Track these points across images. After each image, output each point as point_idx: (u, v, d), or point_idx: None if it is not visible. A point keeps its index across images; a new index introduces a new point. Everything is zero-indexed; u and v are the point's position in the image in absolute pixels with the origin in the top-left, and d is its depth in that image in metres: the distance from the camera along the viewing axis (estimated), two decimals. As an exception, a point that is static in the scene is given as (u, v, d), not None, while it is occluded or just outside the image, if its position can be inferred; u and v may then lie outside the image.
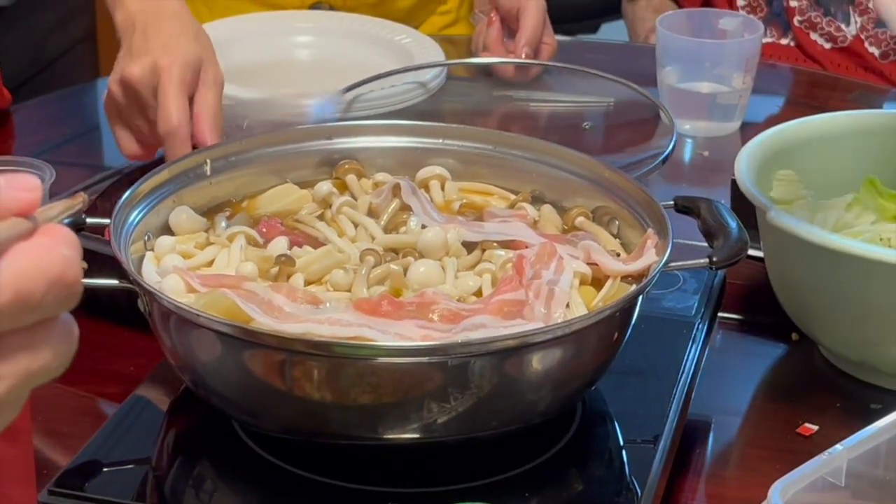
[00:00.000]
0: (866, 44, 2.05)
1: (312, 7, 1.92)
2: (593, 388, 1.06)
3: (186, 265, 1.05)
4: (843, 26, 2.05)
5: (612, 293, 1.04)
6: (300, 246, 1.09)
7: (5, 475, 0.83)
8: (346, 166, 1.19)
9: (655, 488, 0.99)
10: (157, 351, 1.03)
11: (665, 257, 1.02)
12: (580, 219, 1.14)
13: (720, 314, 1.23)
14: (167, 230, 1.11)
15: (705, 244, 1.08)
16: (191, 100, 1.36)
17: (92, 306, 1.05)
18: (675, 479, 1.06)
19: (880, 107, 1.72)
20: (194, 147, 1.33)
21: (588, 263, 1.06)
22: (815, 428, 1.12)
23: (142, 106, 1.37)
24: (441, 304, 1.00)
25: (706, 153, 1.62)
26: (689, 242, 1.12)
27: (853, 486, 0.95)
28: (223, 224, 1.12)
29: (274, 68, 1.74)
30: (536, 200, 1.17)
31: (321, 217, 1.15)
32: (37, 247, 0.55)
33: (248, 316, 0.96)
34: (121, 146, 1.42)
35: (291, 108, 1.53)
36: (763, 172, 1.23)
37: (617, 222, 1.13)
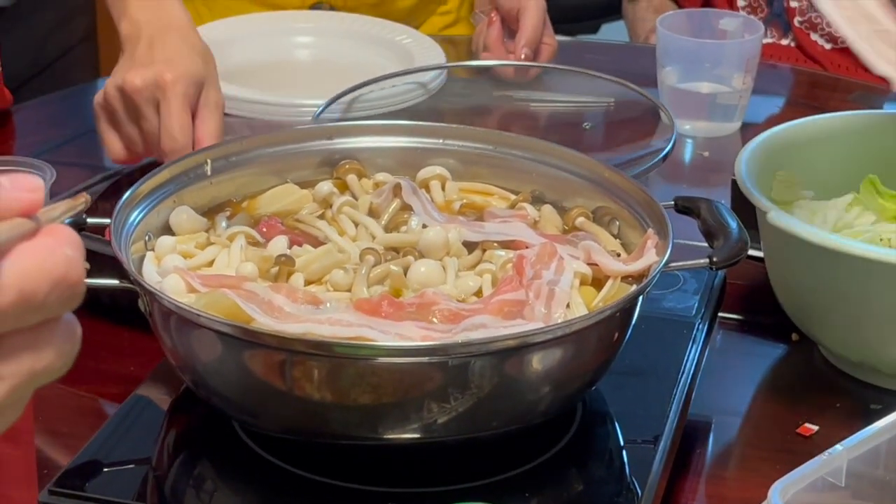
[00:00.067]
0: (867, 44, 2.05)
1: (313, 7, 1.92)
2: (593, 388, 1.06)
3: (187, 265, 1.05)
4: (843, 27, 2.05)
5: (613, 293, 1.04)
6: (300, 245, 1.09)
7: (6, 475, 0.83)
8: (347, 166, 1.19)
9: (656, 488, 0.99)
10: (158, 351, 1.03)
11: (665, 257, 1.02)
12: (580, 219, 1.14)
13: (720, 314, 1.23)
14: (168, 230, 1.11)
15: (705, 244, 1.08)
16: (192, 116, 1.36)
17: (92, 306, 1.05)
18: (675, 479, 1.06)
19: (880, 107, 1.73)
20: None
21: (588, 264, 1.06)
22: (815, 428, 1.12)
23: (137, 115, 1.37)
24: (441, 304, 1.00)
25: (706, 153, 1.62)
26: (690, 243, 1.12)
27: (853, 487, 0.95)
28: (223, 224, 1.12)
29: (274, 68, 1.74)
30: (537, 201, 1.17)
31: (322, 217, 1.15)
32: (40, 247, 0.55)
33: (249, 316, 0.96)
34: (108, 149, 1.42)
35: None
36: (763, 173, 1.23)
37: (617, 223, 1.13)
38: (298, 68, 1.76)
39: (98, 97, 1.41)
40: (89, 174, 1.46)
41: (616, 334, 1.01)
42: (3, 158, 1.43)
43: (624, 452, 1.04)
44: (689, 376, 1.10)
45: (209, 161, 1.15)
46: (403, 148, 1.21)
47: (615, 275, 1.05)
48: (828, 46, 2.07)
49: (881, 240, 1.20)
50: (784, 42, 2.11)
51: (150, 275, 1.04)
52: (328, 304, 1.00)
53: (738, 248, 1.06)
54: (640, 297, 1.01)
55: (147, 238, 1.08)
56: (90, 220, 1.05)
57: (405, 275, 1.05)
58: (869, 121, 1.34)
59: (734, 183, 1.24)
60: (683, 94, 1.63)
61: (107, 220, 1.04)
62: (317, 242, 1.10)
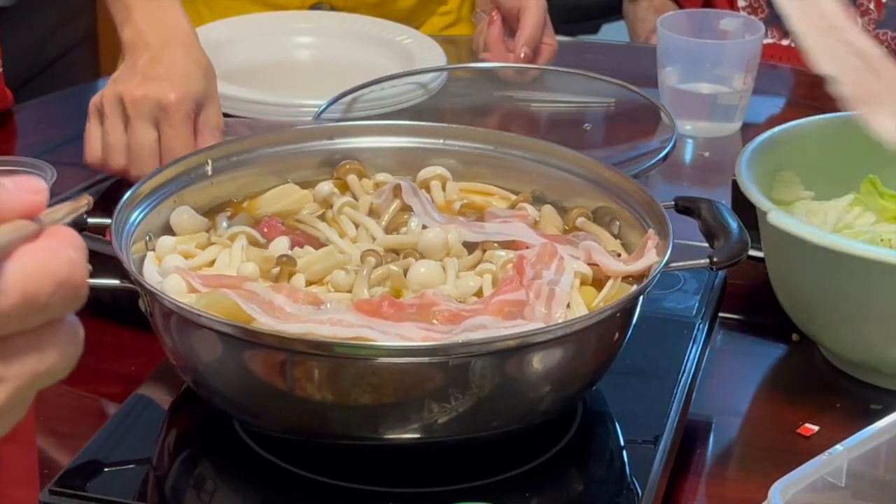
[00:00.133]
0: (867, 45, 2.04)
1: (313, 7, 1.92)
2: (594, 388, 1.06)
3: (188, 265, 1.05)
4: (843, 27, 2.05)
5: (613, 293, 1.04)
6: (301, 246, 1.09)
7: (7, 475, 0.83)
8: (347, 166, 1.19)
9: (656, 488, 0.99)
10: (159, 351, 1.03)
11: (666, 258, 1.02)
12: (581, 219, 1.14)
13: (721, 314, 1.23)
14: (168, 230, 1.11)
15: (706, 244, 1.08)
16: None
17: (93, 306, 1.04)
18: (675, 479, 1.06)
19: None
20: None
21: (589, 264, 1.06)
22: (816, 428, 1.12)
23: (130, 127, 1.36)
24: (441, 304, 1.00)
25: (707, 154, 1.62)
26: (690, 243, 1.12)
27: (853, 487, 0.95)
28: (224, 224, 1.12)
29: (274, 68, 1.74)
30: (537, 201, 1.17)
31: (322, 217, 1.15)
32: (43, 249, 0.55)
33: (250, 316, 0.96)
34: (88, 149, 1.39)
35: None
36: (764, 173, 1.23)
37: (618, 223, 1.13)
38: (299, 68, 1.76)
39: (95, 99, 1.40)
40: (90, 174, 1.46)
41: (616, 334, 1.01)
42: (4, 158, 1.43)
43: (624, 452, 1.04)
44: (690, 376, 1.11)
45: (210, 161, 1.15)
46: (404, 148, 1.21)
47: (616, 275, 1.05)
48: (828, 47, 2.07)
49: (881, 240, 1.20)
50: (784, 42, 2.11)
51: (151, 275, 1.04)
52: (329, 305, 1.00)
53: (738, 248, 1.06)
54: (641, 298, 1.01)
55: (148, 238, 1.08)
56: (91, 221, 1.05)
57: (405, 276, 1.05)
58: (869, 121, 1.33)
59: (734, 183, 1.24)
60: (684, 94, 1.63)
61: (107, 220, 1.04)
62: (317, 243, 1.10)
